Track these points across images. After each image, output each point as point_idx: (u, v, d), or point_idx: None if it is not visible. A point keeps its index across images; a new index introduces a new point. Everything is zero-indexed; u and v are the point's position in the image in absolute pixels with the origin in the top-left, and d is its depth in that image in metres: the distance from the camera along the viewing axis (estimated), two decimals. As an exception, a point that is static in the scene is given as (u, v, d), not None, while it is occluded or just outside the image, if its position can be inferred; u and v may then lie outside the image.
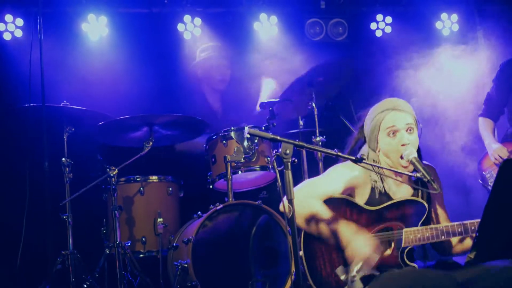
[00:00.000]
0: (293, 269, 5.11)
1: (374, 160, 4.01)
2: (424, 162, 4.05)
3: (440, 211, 4.13)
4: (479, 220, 3.73)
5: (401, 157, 3.91)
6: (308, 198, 3.82)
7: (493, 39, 6.88)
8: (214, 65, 7.36)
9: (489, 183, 6.26)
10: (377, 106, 4.05)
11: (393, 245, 3.84)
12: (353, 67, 6.54)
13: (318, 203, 3.82)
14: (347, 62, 6.51)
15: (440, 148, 6.87)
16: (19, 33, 7.05)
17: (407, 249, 3.83)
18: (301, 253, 3.76)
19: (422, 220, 3.86)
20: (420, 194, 4.04)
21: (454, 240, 4.03)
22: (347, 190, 3.95)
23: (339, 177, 3.96)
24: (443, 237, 3.81)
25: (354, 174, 3.96)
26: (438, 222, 4.10)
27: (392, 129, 3.92)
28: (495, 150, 6.20)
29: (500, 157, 6.11)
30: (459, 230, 3.79)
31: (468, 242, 4.01)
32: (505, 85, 6.38)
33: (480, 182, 6.38)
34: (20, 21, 7.05)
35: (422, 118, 6.59)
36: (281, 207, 3.94)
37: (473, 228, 3.77)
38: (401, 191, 4.01)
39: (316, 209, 3.78)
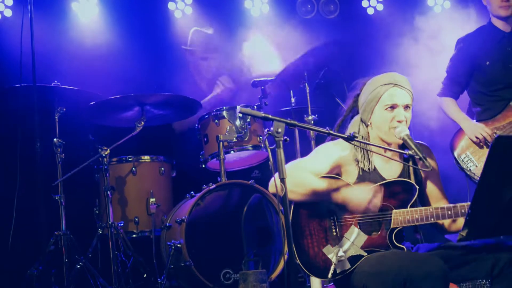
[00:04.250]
0: (286, 248, 5.12)
1: (362, 137, 4.00)
2: (419, 141, 4.04)
3: (434, 190, 4.12)
4: (469, 203, 3.73)
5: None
6: (301, 172, 3.82)
7: (485, 16, 6.83)
8: (202, 62, 7.30)
9: (469, 168, 6.00)
10: (378, 77, 4.03)
11: (382, 226, 3.84)
12: (345, 50, 6.51)
13: (312, 176, 3.83)
14: (341, 44, 6.47)
15: (431, 125, 6.86)
16: (8, 13, 6.99)
17: (396, 230, 3.83)
18: None
19: (412, 201, 3.86)
20: (410, 172, 4.04)
21: (447, 221, 4.02)
22: (334, 169, 3.94)
23: (325, 157, 3.96)
24: (432, 219, 3.80)
25: (341, 152, 3.96)
26: (430, 201, 4.09)
27: (391, 105, 3.91)
28: (480, 128, 5.94)
29: (488, 135, 5.85)
30: (449, 213, 3.78)
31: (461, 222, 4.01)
32: (465, 63, 6.16)
33: (456, 166, 6.12)
34: (9, 0, 6.98)
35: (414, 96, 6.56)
36: (270, 188, 3.94)
37: (463, 211, 3.76)
38: (389, 168, 4.00)
39: (313, 182, 3.79)
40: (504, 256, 3.65)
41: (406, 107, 3.95)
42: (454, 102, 6.14)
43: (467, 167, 5.90)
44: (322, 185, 3.80)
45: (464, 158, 5.95)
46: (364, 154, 3.97)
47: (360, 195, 3.79)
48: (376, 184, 3.85)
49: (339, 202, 3.80)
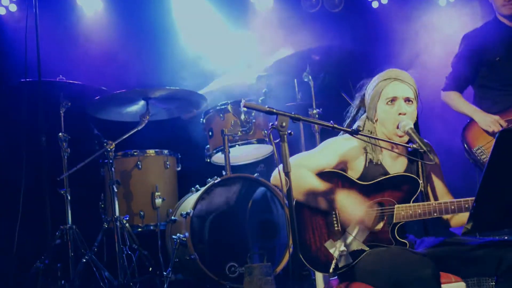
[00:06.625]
0: (291, 241, 5.12)
1: (369, 131, 3.99)
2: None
3: (438, 186, 4.12)
4: (473, 198, 3.71)
5: (398, 127, 3.89)
6: (301, 170, 3.81)
7: (489, 9, 6.82)
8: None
9: (482, 160, 5.97)
10: (380, 75, 4.02)
11: (384, 220, 3.83)
12: (351, 51, 6.54)
13: (312, 175, 3.81)
14: (346, 47, 6.51)
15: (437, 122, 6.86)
16: (13, 8, 7.00)
17: (398, 225, 3.82)
18: None
19: (415, 196, 3.84)
20: (416, 168, 4.03)
21: (450, 216, 4.01)
22: (340, 164, 3.93)
23: (332, 151, 3.94)
24: (435, 214, 3.77)
25: (350, 145, 3.94)
26: (435, 196, 4.09)
27: (392, 98, 3.90)
28: (494, 119, 5.93)
29: (502, 125, 5.84)
30: (452, 207, 3.76)
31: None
32: (471, 59, 6.16)
33: (468, 157, 6.10)
34: (14, -4, 7.02)
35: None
36: (272, 180, 3.93)
37: (466, 206, 3.73)
38: (396, 165, 3.99)
39: (311, 182, 3.78)
40: (511, 254, 3.63)
41: (407, 100, 3.91)
42: (460, 96, 6.13)
43: (480, 159, 5.87)
44: (319, 186, 3.78)
45: (477, 150, 5.93)
46: (372, 148, 3.95)
47: (353, 211, 3.75)
48: (372, 202, 3.82)
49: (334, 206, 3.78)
